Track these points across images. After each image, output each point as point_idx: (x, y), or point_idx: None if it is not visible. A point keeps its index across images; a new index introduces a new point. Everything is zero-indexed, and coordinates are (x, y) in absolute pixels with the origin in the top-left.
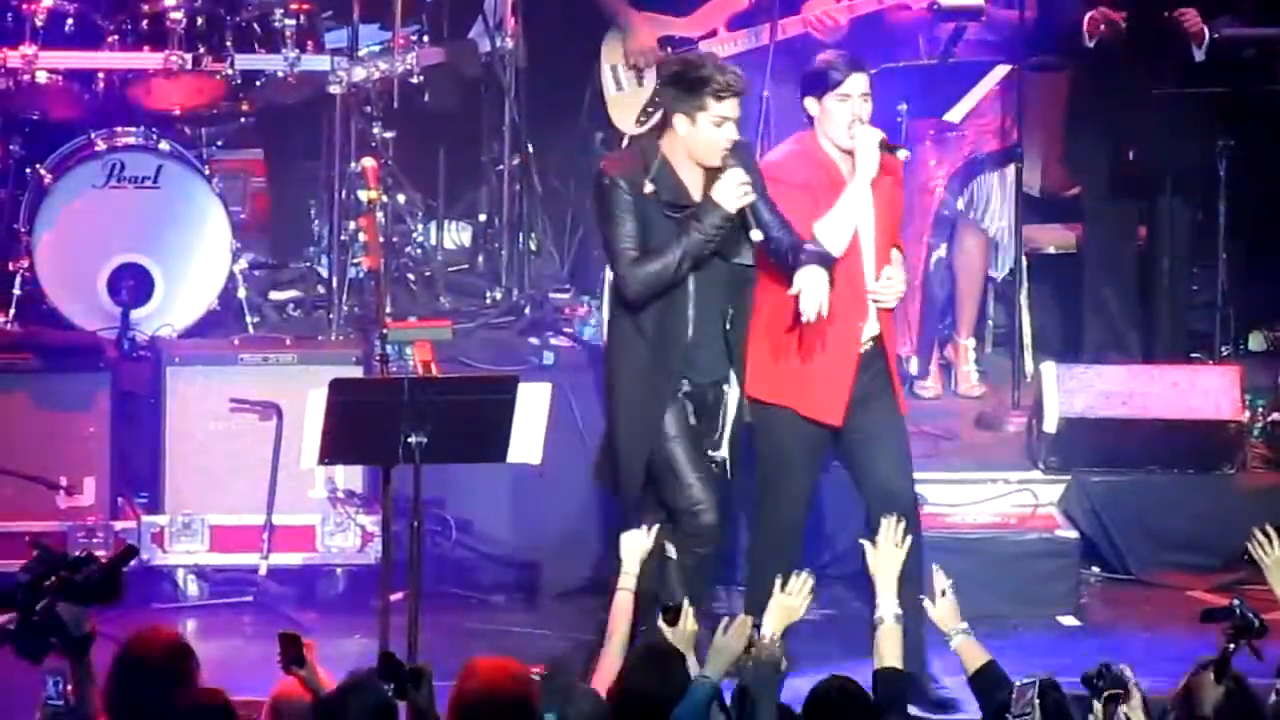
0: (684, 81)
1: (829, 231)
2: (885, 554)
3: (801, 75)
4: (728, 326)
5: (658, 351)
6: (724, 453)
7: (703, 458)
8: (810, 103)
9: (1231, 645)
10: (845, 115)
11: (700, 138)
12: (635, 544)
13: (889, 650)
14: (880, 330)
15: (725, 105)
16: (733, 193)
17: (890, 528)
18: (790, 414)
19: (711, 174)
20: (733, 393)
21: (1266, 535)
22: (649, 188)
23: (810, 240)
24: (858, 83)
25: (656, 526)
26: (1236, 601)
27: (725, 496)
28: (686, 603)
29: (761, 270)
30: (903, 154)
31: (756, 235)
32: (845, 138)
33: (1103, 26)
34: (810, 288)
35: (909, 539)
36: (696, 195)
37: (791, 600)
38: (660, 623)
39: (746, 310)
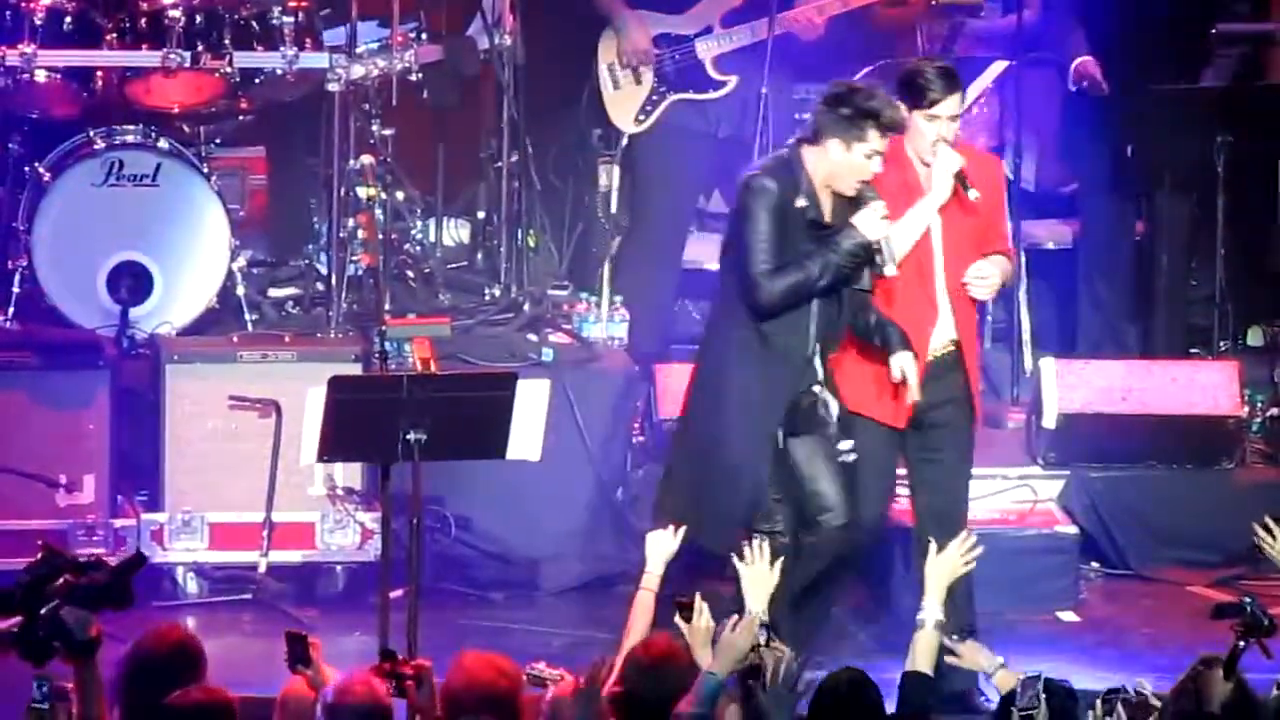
0: (851, 108)
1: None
2: (944, 561)
3: (898, 79)
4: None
5: (779, 366)
6: (849, 445)
7: (827, 462)
8: (902, 106)
9: (1241, 643)
10: (931, 134)
11: (850, 165)
12: (660, 545)
13: (923, 655)
14: (959, 337)
15: (883, 141)
16: (875, 223)
17: (961, 541)
18: (860, 417)
19: (839, 199)
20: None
21: (1268, 529)
22: (802, 202)
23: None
24: (950, 105)
25: (682, 529)
26: (1247, 599)
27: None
28: (699, 598)
29: None
30: (974, 194)
31: (890, 270)
32: (929, 153)
33: (1085, 83)
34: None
35: (972, 558)
36: (826, 217)
37: (735, 638)
38: (677, 619)
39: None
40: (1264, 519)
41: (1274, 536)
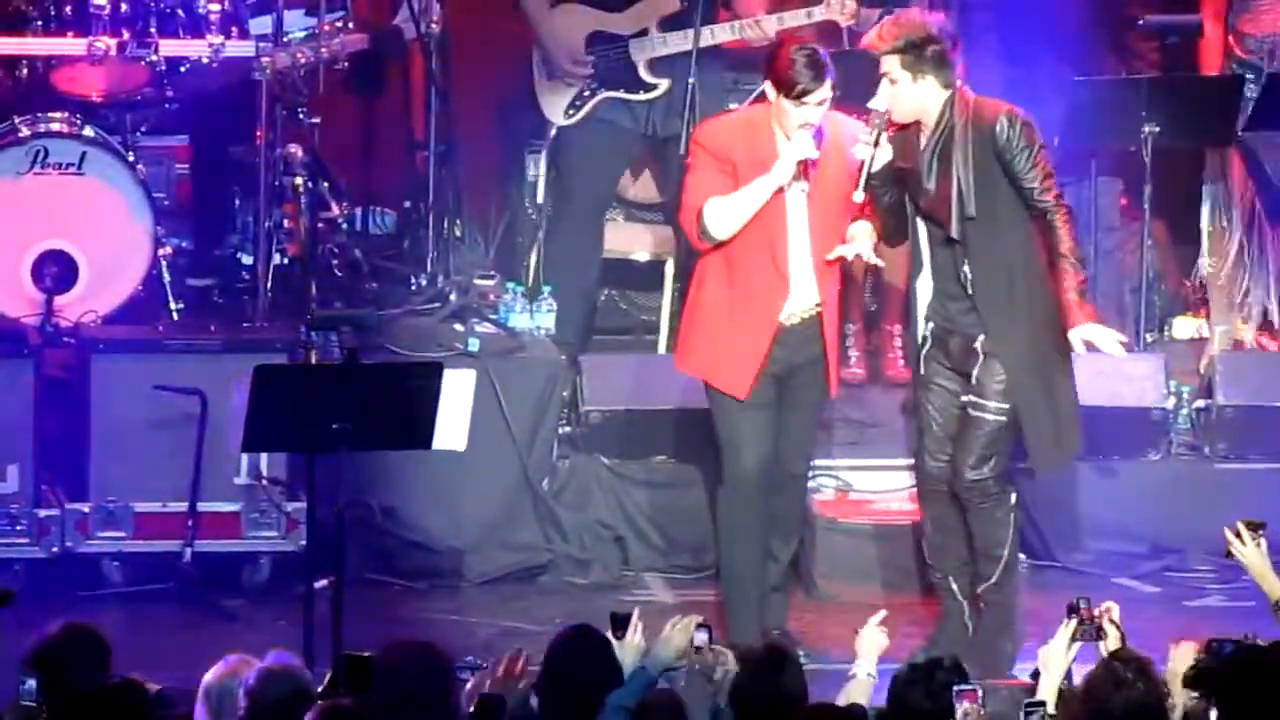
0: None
1: (714, 216)
2: (872, 636)
3: (766, 59)
4: (969, 291)
5: (911, 305)
6: (988, 409)
7: (938, 406)
8: (769, 88)
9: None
10: (799, 118)
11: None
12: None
13: (857, 694)
14: (820, 307)
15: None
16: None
17: (879, 618)
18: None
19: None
20: (983, 352)
21: (1238, 534)
22: None
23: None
24: (820, 93)
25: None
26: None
27: (984, 454)
28: (636, 614)
29: (691, 237)
30: (804, 187)
31: (858, 195)
32: (794, 134)
33: None
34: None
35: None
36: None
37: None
38: (610, 634)
39: (994, 277)
40: (1235, 524)
41: (1243, 541)
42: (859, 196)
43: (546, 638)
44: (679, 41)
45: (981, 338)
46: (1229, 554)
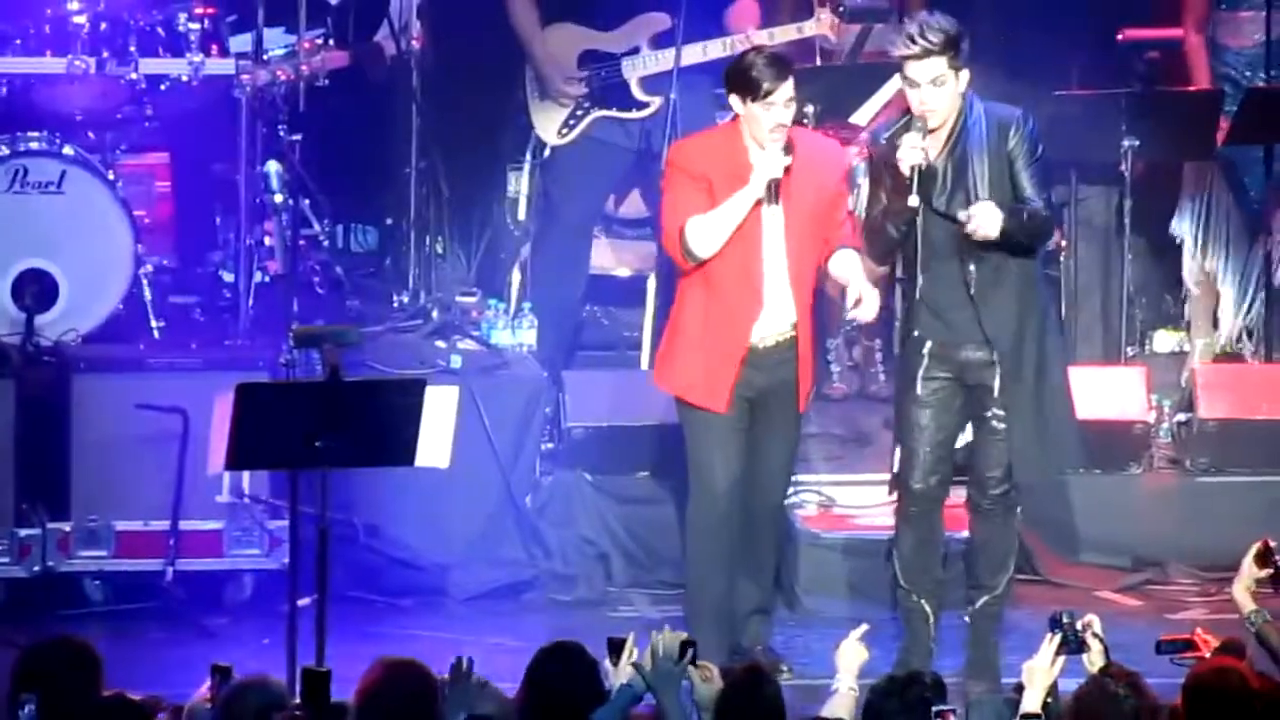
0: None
1: (696, 235)
2: (852, 649)
3: (725, 71)
4: (971, 294)
5: (906, 319)
6: (1004, 418)
7: (934, 424)
8: (735, 101)
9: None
10: (770, 121)
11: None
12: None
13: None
14: (795, 328)
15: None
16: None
17: (860, 631)
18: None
19: None
20: (996, 362)
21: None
22: None
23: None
24: (784, 90)
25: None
26: (1195, 630)
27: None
28: (631, 640)
29: (675, 256)
30: (914, 201)
31: (913, 200)
32: (767, 139)
33: None
34: None
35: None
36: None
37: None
38: (606, 662)
39: (1001, 280)
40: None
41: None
42: (915, 201)
43: (530, 654)
44: (671, 59)
45: (990, 346)
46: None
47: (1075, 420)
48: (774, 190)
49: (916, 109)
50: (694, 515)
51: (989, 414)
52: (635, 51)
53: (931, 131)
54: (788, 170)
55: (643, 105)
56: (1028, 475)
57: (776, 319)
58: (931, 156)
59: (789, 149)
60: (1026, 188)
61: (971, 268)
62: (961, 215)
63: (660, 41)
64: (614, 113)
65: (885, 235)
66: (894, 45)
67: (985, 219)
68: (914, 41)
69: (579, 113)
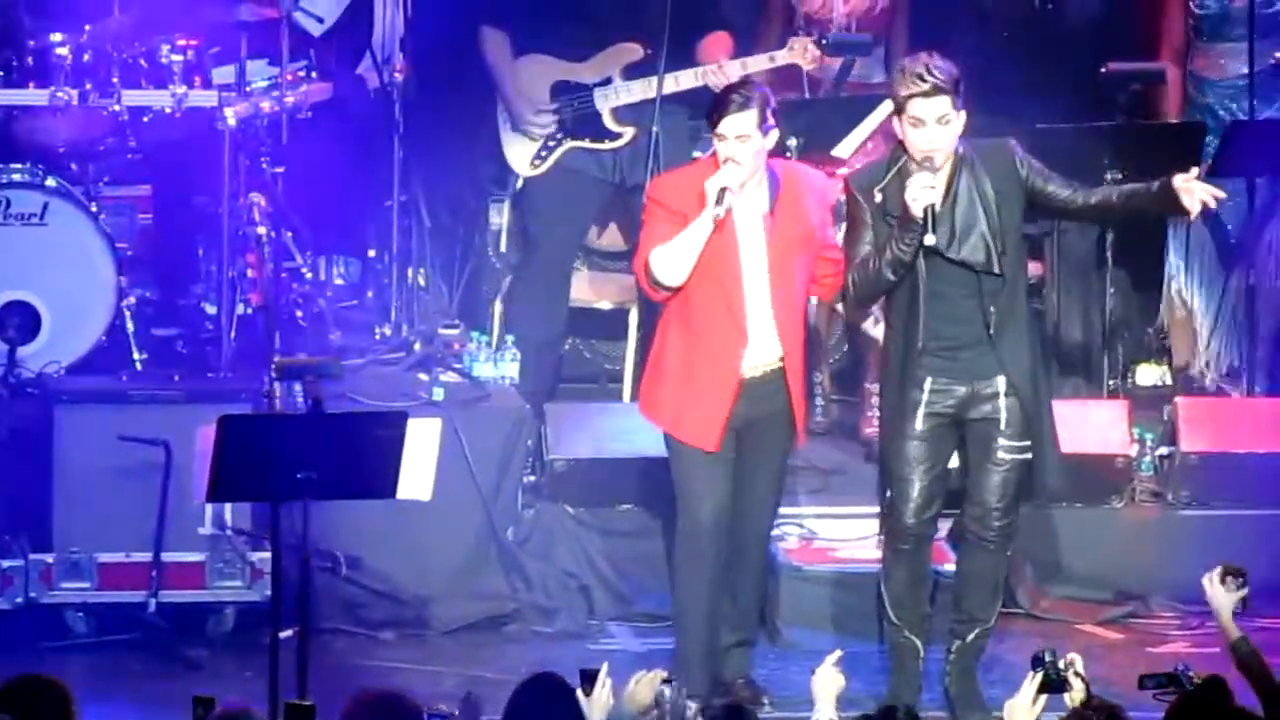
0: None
1: (660, 263)
2: (828, 676)
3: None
4: (990, 331)
5: (902, 357)
6: (1026, 449)
7: (929, 460)
8: (713, 137)
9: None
10: (722, 154)
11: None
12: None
13: None
14: (782, 359)
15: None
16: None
17: (834, 658)
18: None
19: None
20: (1005, 394)
21: (1221, 575)
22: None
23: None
24: (732, 124)
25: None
26: (1179, 667)
27: (1012, 494)
28: (604, 670)
29: (645, 289)
30: (718, 211)
31: (930, 239)
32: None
33: None
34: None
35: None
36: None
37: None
38: (579, 692)
39: (1014, 314)
40: (1220, 566)
41: (1221, 584)
42: (932, 240)
43: (512, 687)
44: (643, 89)
45: (1001, 379)
46: (1205, 585)
47: (1059, 453)
48: (719, 197)
49: (923, 148)
50: (681, 547)
51: (996, 444)
52: (608, 82)
53: (906, 172)
54: (775, 203)
55: (615, 136)
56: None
57: (761, 351)
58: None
59: (773, 186)
60: (1062, 186)
61: (991, 307)
62: (1186, 200)
63: (633, 72)
64: (586, 143)
65: (882, 280)
66: (899, 84)
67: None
68: (923, 79)
69: (551, 144)
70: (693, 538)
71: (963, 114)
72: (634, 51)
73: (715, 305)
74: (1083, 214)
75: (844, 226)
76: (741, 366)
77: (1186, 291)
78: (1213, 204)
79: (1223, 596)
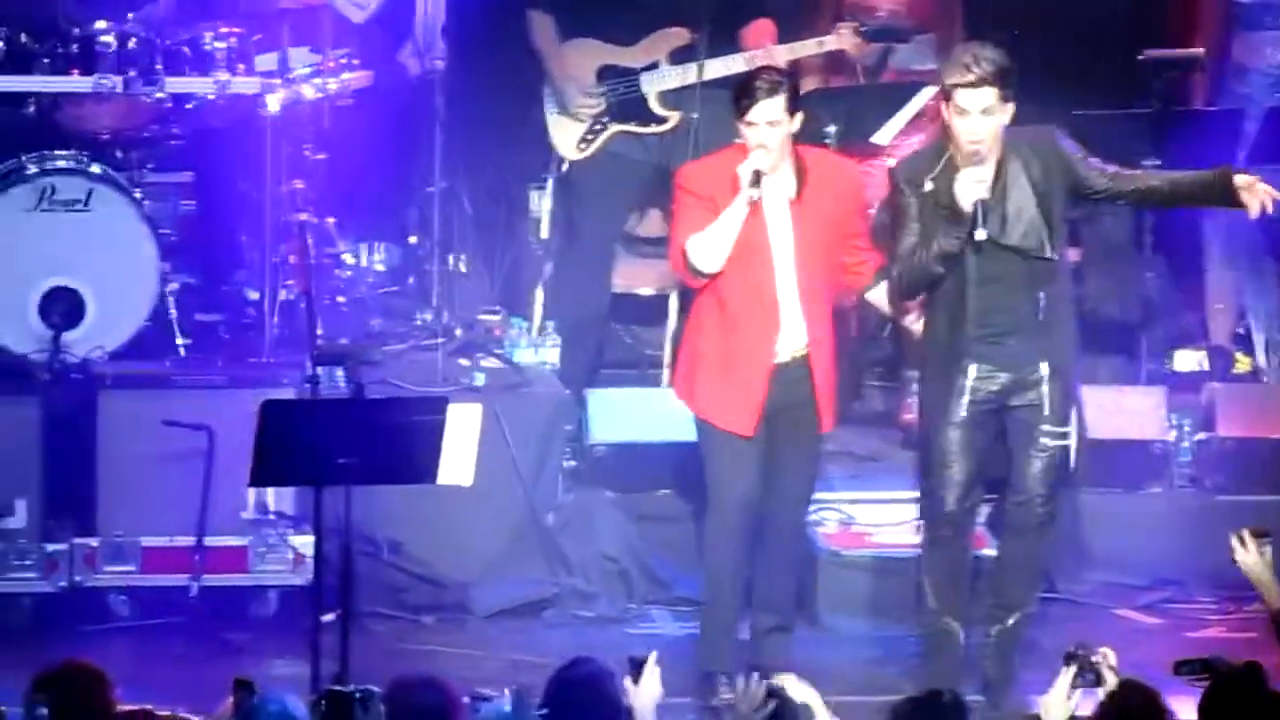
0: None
1: (697, 250)
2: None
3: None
4: (1040, 317)
5: (947, 343)
6: (1066, 434)
7: (970, 447)
8: (736, 121)
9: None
10: (751, 140)
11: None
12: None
13: None
14: (808, 345)
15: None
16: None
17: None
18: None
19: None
20: (1048, 381)
21: (1241, 540)
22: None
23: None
24: (761, 111)
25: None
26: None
27: (1053, 480)
28: (653, 659)
29: (682, 276)
30: (753, 194)
31: (980, 234)
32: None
33: None
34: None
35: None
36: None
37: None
38: (626, 681)
39: (1063, 300)
40: (1240, 531)
41: (1246, 549)
42: (982, 234)
43: (552, 671)
44: (690, 74)
45: (1045, 365)
46: (1234, 559)
47: (1086, 439)
48: (756, 180)
49: (966, 138)
50: (710, 532)
51: (1038, 431)
52: (654, 67)
53: (952, 164)
54: (801, 190)
55: (661, 120)
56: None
57: (790, 337)
58: (983, 195)
59: (803, 171)
60: (1101, 174)
61: (1042, 293)
62: (1247, 198)
63: (679, 56)
64: (632, 127)
65: (930, 273)
66: (946, 73)
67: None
68: (969, 70)
69: (597, 128)
70: (720, 521)
71: (1010, 106)
72: (681, 36)
73: (748, 291)
74: (1124, 199)
75: (877, 215)
76: (776, 353)
77: (1228, 277)
78: (1270, 208)
79: (1255, 561)
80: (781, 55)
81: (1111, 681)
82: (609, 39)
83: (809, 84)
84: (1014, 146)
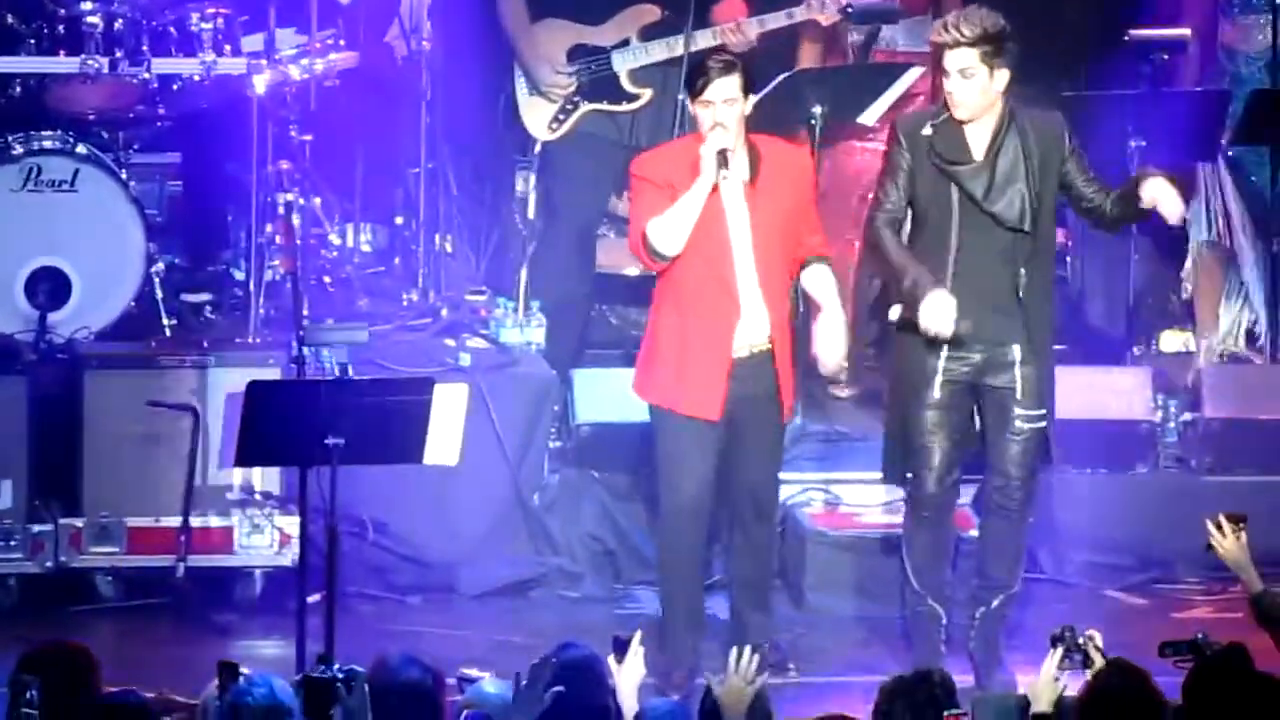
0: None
1: (657, 232)
2: (734, 687)
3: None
4: (1020, 295)
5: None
6: (1042, 417)
7: (948, 427)
8: (688, 104)
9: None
10: (708, 120)
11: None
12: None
13: None
14: (771, 338)
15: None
16: None
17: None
18: (673, 413)
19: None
20: (1020, 363)
21: (1218, 526)
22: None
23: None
24: (719, 89)
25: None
26: (1200, 635)
27: (1031, 463)
28: (638, 639)
29: (643, 261)
30: (723, 175)
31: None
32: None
33: None
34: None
35: (760, 679)
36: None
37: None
38: (610, 659)
39: (1043, 282)
40: (1217, 517)
41: (1224, 534)
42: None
43: (539, 651)
44: (660, 50)
45: (1017, 347)
46: (1209, 546)
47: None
48: (724, 160)
49: (950, 98)
50: (664, 524)
51: (1013, 414)
52: (625, 44)
53: (963, 123)
54: (756, 176)
55: (633, 98)
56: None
57: (751, 324)
58: (978, 155)
59: (757, 158)
60: (1093, 181)
61: (1023, 272)
62: (1146, 199)
63: (650, 33)
64: (604, 106)
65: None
66: (934, 33)
67: (1170, 195)
68: (947, 30)
69: (569, 107)
70: (674, 517)
71: (1000, 71)
72: (651, 13)
73: (706, 277)
74: (1087, 214)
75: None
76: (735, 338)
77: (1214, 258)
78: (1175, 219)
79: (1232, 546)
80: (753, 29)
81: (1099, 662)
82: (579, 19)
83: (805, 62)
84: (1016, 116)
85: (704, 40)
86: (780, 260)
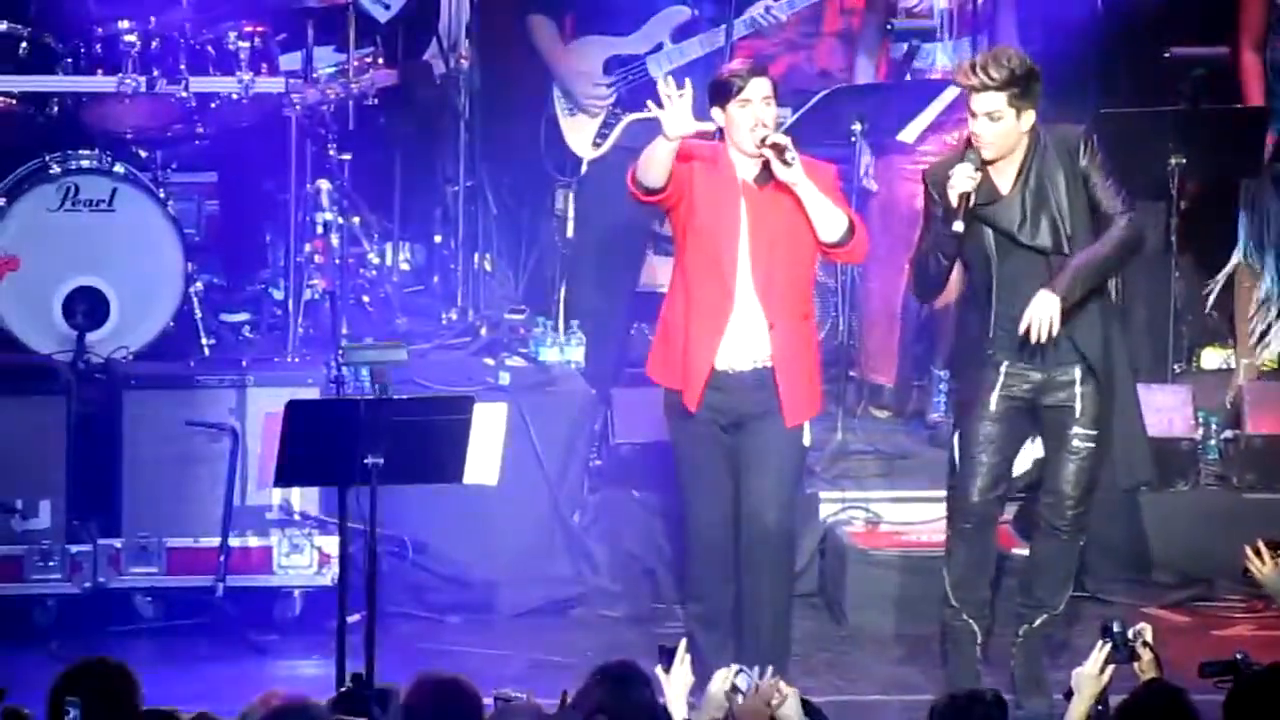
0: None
1: (642, 163)
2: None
3: (707, 88)
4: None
5: (977, 341)
6: (1091, 438)
7: (1000, 441)
8: (716, 113)
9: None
10: (748, 120)
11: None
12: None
13: None
14: (772, 355)
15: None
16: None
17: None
18: (681, 408)
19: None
20: (1080, 382)
21: (1258, 552)
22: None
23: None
24: (758, 87)
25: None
26: (1239, 655)
27: (1087, 482)
28: (683, 647)
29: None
30: (790, 174)
31: (958, 226)
32: (750, 143)
33: None
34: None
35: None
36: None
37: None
38: (658, 668)
39: (1086, 300)
40: (1255, 542)
41: (1263, 560)
42: (959, 227)
43: (579, 670)
44: (695, 49)
45: (1077, 367)
46: (1246, 571)
47: (1145, 433)
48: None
49: (976, 139)
50: (688, 531)
51: (1071, 432)
52: (659, 49)
53: (989, 163)
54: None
55: None
56: (1131, 480)
57: (747, 332)
58: (1005, 190)
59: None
60: (1104, 201)
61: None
62: (1023, 326)
63: (682, 33)
64: (645, 114)
65: (929, 268)
66: (956, 74)
67: (1043, 311)
68: (973, 74)
69: (610, 121)
70: (692, 521)
71: (1026, 112)
72: (680, 14)
73: (709, 270)
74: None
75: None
76: (726, 327)
77: (1256, 274)
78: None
79: (1270, 573)
80: (783, 11)
81: (1147, 657)
82: (610, 32)
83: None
84: (1041, 145)
85: (739, 30)
86: (788, 263)
